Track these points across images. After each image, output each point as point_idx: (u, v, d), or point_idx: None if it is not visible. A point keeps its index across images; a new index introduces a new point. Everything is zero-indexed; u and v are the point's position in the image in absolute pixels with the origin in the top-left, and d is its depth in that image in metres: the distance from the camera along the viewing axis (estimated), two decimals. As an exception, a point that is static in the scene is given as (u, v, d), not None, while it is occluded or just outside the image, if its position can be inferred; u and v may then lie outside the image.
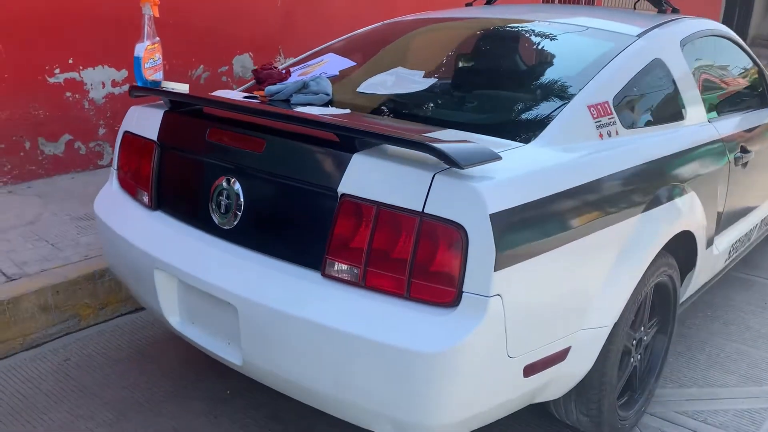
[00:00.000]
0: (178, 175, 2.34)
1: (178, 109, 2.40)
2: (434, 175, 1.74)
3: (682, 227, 2.42)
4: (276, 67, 2.89)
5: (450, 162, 1.67)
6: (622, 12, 3.31)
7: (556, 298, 1.93)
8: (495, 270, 1.69)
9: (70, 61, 4.38)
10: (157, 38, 2.48)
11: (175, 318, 2.30)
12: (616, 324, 2.17)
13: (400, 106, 2.43)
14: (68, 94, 4.41)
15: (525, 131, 2.11)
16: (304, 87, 2.51)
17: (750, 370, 3.01)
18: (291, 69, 2.86)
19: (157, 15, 2.46)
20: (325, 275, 1.89)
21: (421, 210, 1.73)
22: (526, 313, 1.83)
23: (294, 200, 1.99)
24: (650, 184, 2.25)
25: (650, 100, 2.53)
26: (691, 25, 2.96)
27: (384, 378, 1.75)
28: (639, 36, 2.64)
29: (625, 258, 2.12)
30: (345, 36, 3.21)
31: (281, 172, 2.00)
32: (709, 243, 2.79)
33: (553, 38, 2.76)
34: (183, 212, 2.30)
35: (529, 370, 1.91)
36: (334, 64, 2.81)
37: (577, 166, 2.02)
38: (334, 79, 2.61)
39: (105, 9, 4.43)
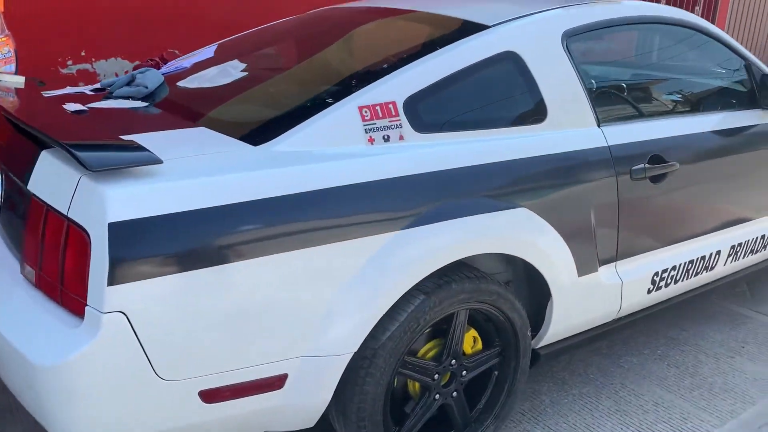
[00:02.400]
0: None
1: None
2: (80, 178, 1.63)
3: (489, 249, 2.07)
4: (156, 61, 2.89)
5: (82, 163, 1.56)
6: None
7: (239, 320, 1.73)
8: (113, 284, 1.55)
9: (83, 54, 4.67)
10: (8, 32, 2.57)
11: None
12: (374, 353, 1.92)
13: (186, 100, 2.31)
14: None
15: (268, 132, 1.91)
16: (132, 80, 2.48)
17: (653, 426, 2.52)
18: (171, 62, 2.85)
19: (2, 9, 2.54)
20: (22, 274, 1.86)
21: (66, 213, 1.64)
22: (184, 334, 1.66)
23: (9, 196, 1.99)
24: (424, 197, 1.94)
25: (481, 101, 2.18)
26: (599, 11, 2.50)
27: (26, 385, 1.69)
28: (494, 26, 2.28)
29: (362, 281, 1.85)
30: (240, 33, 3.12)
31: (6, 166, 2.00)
32: (587, 270, 2.36)
33: (392, 30, 2.48)
34: None
35: (211, 396, 1.74)
36: (195, 58, 2.75)
37: (297, 173, 1.79)
38: (188, 73, 2.55)
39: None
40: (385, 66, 2.15)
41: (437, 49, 2.19)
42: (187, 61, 2.78)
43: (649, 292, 2.65)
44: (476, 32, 2.26)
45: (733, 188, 2.83)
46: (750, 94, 2.93)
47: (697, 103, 2.80)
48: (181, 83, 2.45)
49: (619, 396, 2.69)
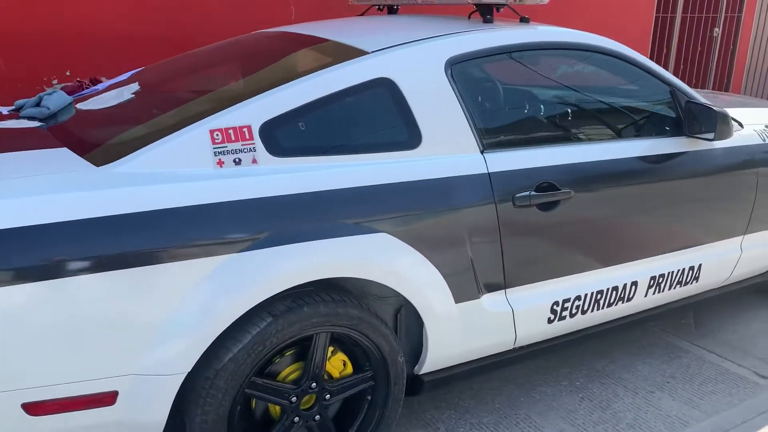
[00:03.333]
0: None
1: None
2: None
3: (339, 273, 2.07)
4: (81, 83, 3.01)
5: None
6: (425, 21, 2.76)
7: (66, 335, 1.77)
8: None
9: (68, 74, 4.87)
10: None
11: None
12: (216, 374, 1.95)
13: (72, 122, 2.39)
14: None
15: (115, 153, 1.97)
16: (39, 101, 2.59)
17: (541, 458, 2.46)
18: (100, 84, 2.96)
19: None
20: None
21: None
22: (7, 345, 1.72)
23: None
24: (267, 220, 1.96)
25: (349, 126, 2.20)
26: (492, 38, 2.49)
27: None
28: (373, 52, 2.30)
29: (195, 303, 1.88)
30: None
31: None
32: (466, 297, 2.33)
33: (276, 56, 2.52)
34: None
35: (35, 408, 1.80)
36: (112, 81, 2.85)
37: (127, 194, 1.84)
38: (92, 95, 2.65)
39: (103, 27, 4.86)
40: (249, 90, 2.19)
41: (310, 73, 2.22)
42: (106, 84, 2.89)
43: (550, 321, 2.60)
44: (353, 58, 2.29)
45: (649, 218, 2.75)
46: (675, 120, 2.86)
47: (608, 131, 2.73)
48: (80, 105, 2.54)
49: (519, 428, 2.63)
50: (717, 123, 2.67)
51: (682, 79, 7.79)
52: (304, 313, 2.05)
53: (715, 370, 3.06)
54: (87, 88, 2.96)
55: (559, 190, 2.45)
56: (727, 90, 8.49)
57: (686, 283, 2.98)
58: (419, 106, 2.28)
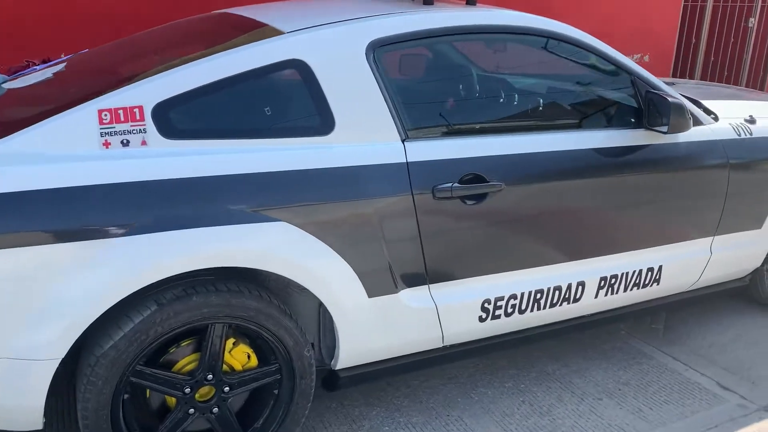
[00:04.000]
0: None
1: None
2: None
3: (226, 262, 1.98)
4: (27, 63, 3.00)
5: None
6: (363, 3, 2.60)
7: None
8: None
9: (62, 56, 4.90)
10: None
11: None
12: (96, 361, 1.90)
13: None
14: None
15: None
16: (-22, 79, 2.58)
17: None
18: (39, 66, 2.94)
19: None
20: None
21: None
22: None
23: None
24: (150, 205, 1.89)
25: (253, 109, 2.11)
26: (423, 20, 2.35)
27: None
28: (289, 33, 2.21)
29: (69, 288, 1.82)
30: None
31: None
32: (381, 292, 2.23)
33: (196, 36, 2.43)
34: None
35: None
36: (51, 63, 2.82)
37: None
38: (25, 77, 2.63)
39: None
40: (149, 70, 2.12)
41: (217, 53, 2.14)
42: (42, 66, 2.86)
43: (482, 320, 2.47)
44: (267, 38, 2.20)
45: (597, 215, 2.59)
46: (636, 111, 2.67)
47: (553, 121, 2.57)
48: (6, 85, 2.52)
49: (447, 429, 2.52)
50: (670, 114, 2.49)
51: (712, 73, 7.41)
52: (192, 302, 1.97)
53: (675, 378, 2.88)
54: (33, 66, 2.95)
55: (487, 182, 2.32)
56: (762, 87, 8.03)
57: (645, 286, 2.80)
58: (333, 91, 2.17)
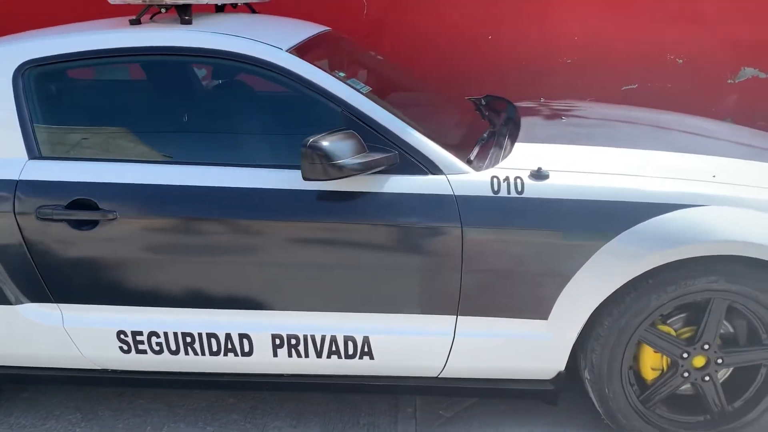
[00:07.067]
0: None
1: None
2: None
3: None
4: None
5: None
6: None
7: None
8: None
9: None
10: None
11: None
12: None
13: None
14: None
15: None
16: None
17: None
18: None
19: None
20: None
21: None
22: None
23: None
24: None
25: None
26: (76, 42, 2.34)
27: None
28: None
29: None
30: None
31: None
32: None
33: None
34: None
35: None
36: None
37: None
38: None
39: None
40: None
41: None
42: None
43: (125, 351, 2.39)
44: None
45: (248, 263, 2.28)
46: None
47: (200, 153, 2.30)
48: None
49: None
50: (301, 157, 2.06)
51: None
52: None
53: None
54: None
55: (98, 209, 2.24)
56: None
57: (349, 357, 2.35)
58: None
